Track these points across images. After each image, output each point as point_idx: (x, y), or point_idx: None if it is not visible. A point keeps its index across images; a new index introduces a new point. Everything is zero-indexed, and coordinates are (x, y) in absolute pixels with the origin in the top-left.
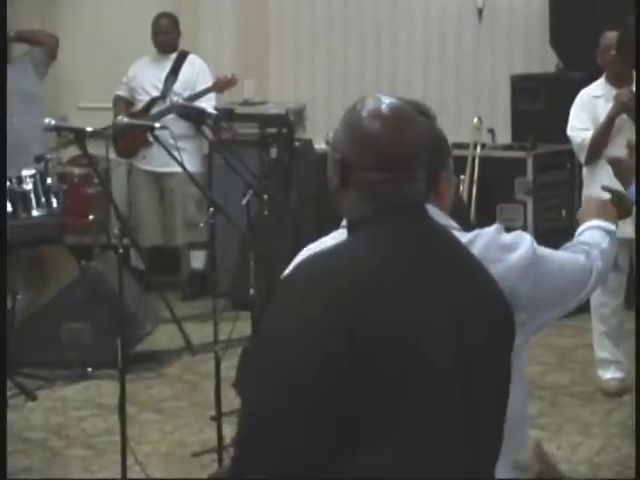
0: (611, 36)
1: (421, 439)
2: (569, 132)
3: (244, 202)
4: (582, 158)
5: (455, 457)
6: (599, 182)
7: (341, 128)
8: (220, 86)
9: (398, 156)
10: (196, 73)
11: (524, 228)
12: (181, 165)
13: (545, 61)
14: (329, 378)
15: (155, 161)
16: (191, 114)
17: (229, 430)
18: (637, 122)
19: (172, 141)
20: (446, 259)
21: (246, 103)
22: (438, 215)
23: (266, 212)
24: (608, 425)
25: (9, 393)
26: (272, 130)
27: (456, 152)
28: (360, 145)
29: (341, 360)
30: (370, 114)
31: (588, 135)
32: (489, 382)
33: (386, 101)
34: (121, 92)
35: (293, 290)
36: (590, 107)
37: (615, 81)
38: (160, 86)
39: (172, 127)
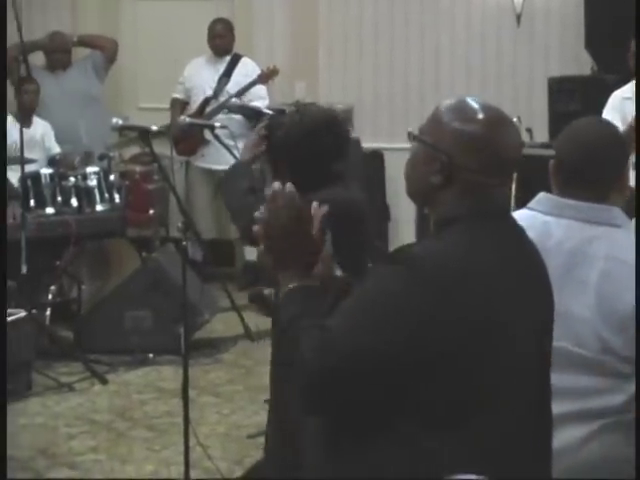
0: None
1: (499, 431)
2: None
3: None
4: None
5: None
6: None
7: (445, 128)
8: (264, 77)
9: (505, 161)
10: (248, 75)
11: None
12: None
13: (581, 64)
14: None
15: (211, 159)
16: (248, 113)
17: None
18: (637, 122)
19: (231, 141)
20: (527, 263)
21: (297, 104)
22: (616, 211)
23: None
24: None
25: (77, 377)
26: None
27: None
28: (468, 147)
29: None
30: (477, 117)
31: None
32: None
33: (488, 105)
34: (177, 94)
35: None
36: (620, 108)
37: None
38: (214, 86)
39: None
